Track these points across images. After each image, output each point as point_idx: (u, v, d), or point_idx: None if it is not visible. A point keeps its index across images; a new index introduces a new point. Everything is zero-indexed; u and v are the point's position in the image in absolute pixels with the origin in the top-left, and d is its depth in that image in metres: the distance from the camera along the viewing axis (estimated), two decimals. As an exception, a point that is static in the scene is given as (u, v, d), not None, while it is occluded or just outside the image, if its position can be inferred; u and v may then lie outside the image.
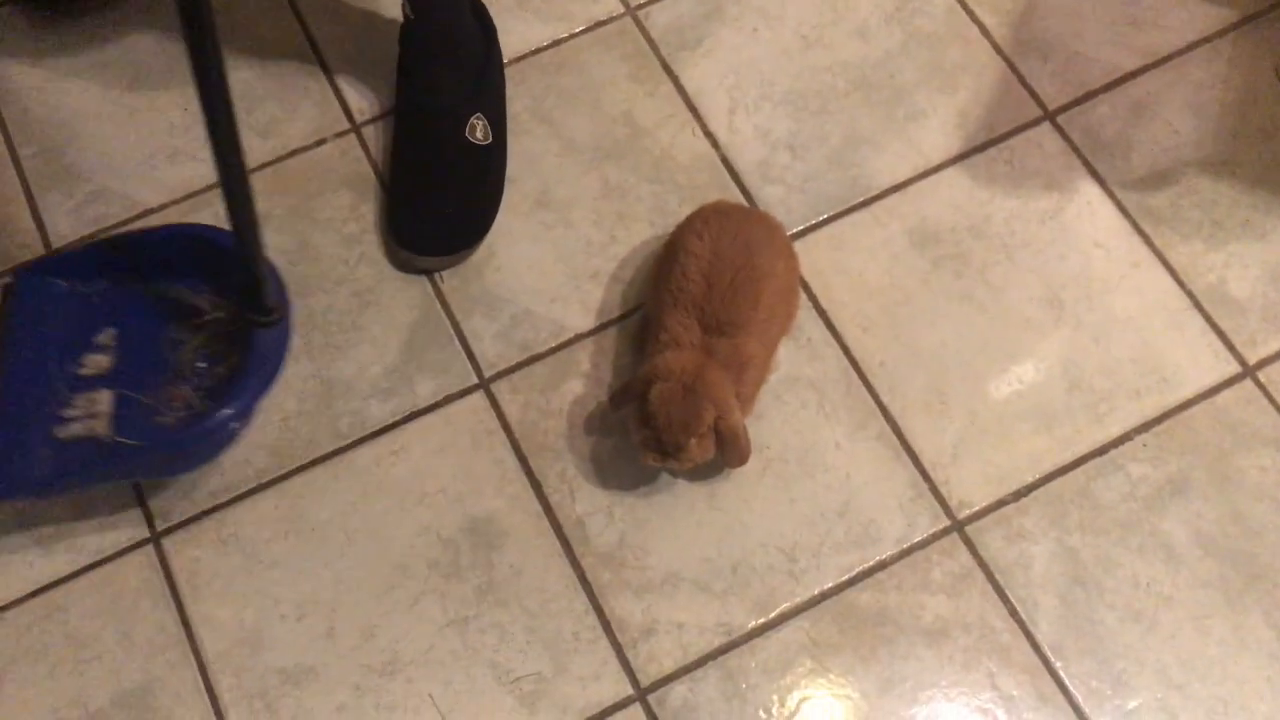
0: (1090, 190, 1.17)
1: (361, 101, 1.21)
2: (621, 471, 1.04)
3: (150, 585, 1.01)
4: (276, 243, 1.14)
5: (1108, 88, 1.21)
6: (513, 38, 1.23)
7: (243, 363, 0.97)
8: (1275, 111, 1.20)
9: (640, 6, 1.26)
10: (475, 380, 1.08)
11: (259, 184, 1.16)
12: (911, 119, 1.20)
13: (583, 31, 1.25)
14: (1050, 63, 1.23)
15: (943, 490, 1.04)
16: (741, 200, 1.16)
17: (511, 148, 1.18)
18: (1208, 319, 1.11)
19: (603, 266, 1.13)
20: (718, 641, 0.99)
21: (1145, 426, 1.06)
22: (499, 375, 1.09)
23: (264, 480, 1.04)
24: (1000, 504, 1.04)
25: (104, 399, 1.01)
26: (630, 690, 0.97)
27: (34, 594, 1.00)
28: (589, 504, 1.03)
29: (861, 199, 1.16)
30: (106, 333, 1.04)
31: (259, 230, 0.90)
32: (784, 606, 1.00)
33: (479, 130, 1.14)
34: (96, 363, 1.03)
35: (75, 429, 0.99)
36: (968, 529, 1.03)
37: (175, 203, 1.15)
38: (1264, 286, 1.12)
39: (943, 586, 1.00)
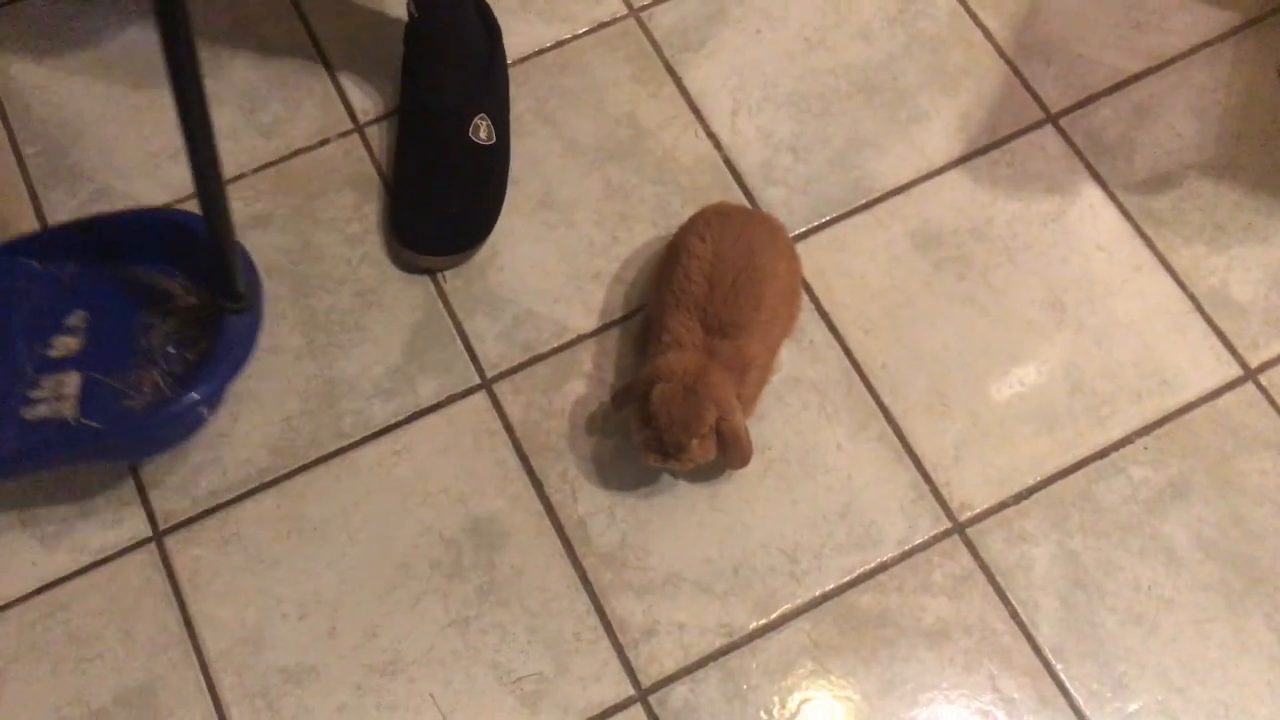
0: (1092, 193, 1.17)
1: (365, 101, 1.21)
2: (623, 472, 1.05)
3: (152, 584, 1.01)
4: (279, 242, 1.14)
5: (1110, 91, 1.22)
6: (516, 39, 1.23)
7: (212, 348, 0.97)
8: (1277, 115, 1.20)
9: (643, 8, 1.26)
10: (477, 380, 1.09)
11: (262, 184, 1.17)
12: (914, 121, 1.20)
13: (586, 33, 1.25)
14: (1053, 65, 1.23)
15: (944, 492, 1.04)
16: (744, 202, 1.16)
17: (515, 148, 1.18)
18: (1209, 322, 1.11)
19: (605, 267, 1.13)
20: (719, 642, 0.99)
21: (1147, 429, 1.07)
22: (501, 375, 1.09)
23: (266, 479, 1.04)
24: (1001, 506, 1.04)
25: (72, 381, 1.01)
26: (631, 691, 0.97)
27: (36, 592, 1.00)
28: (591, 504, 1.03)
29: (864, 201, 1.16)
30: (76, 315, 1.04)
31: (229, 215, 0.90)
32: (785, 608, 1.00)
33: (482, 131, 1.14)
34: (65, 345, 1.03)
35: (42, 410, 0.99)
36: (969, 531, 1.03)
37: (178, 202, 1.15)
38: (1266, 290, 1.12)
39: (944, 588, 1.00)
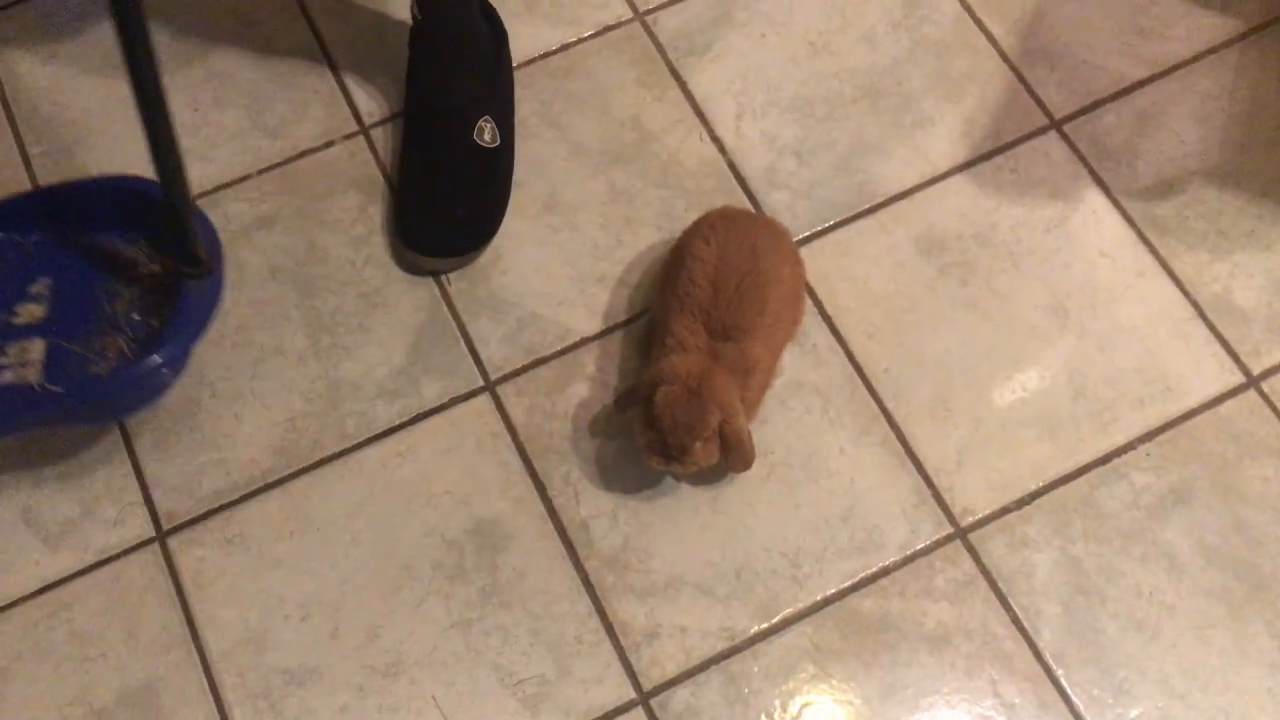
0: (1096, 199, 1.17)
1: (370, 103, 1.21)
2: (626, 475, 1.05)
3: (156, 584, 1.01)
4: (284, 243, 1.14)
5: (1114, 97, 1.22)
6: (521, 42, 1.23)
7: (174, 312, 0.98)
8: (1281, 122, 1.21)
9: (649, 12, 1.26)
10: (481, 383, 1.09)
11: (267, 185, 1.17)
12: (918, 126, 1.20)
13: (591, 36, 1.25)
14: (1057, 72, 1.23)
15: (946, 497, 1.04)
16: (748, 206, 1.16)
17: (519, 151, 1.18)
18: (1212, 329, 1.11)
19: (609, 270, 1.13)
20: (720, 646, 0.99)
21: (1149, 436, 1.07)
22: (505, 378, 1.09)
23: (270, 480, 1.05)
24: (1004, 511, 1.04)
25: (36, 348, 1.02)
26: (633, 694, 0.97)
27: (40, 592, 1.01)
28: (593, 507, 1.04)
29: (868, 206, 1.16)
30: (41, 282, 1.05)
31: (186, 181, 0.91)
32: (787, 611, 1.00)
33: (487, 133, 1.15)
34: (30, 312, 1.04)
35: (6, 376, 1.00)
36: (971, 536, 1.03)
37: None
38: (1269, 297, 1.13)
39: (945, 593, 1.01)
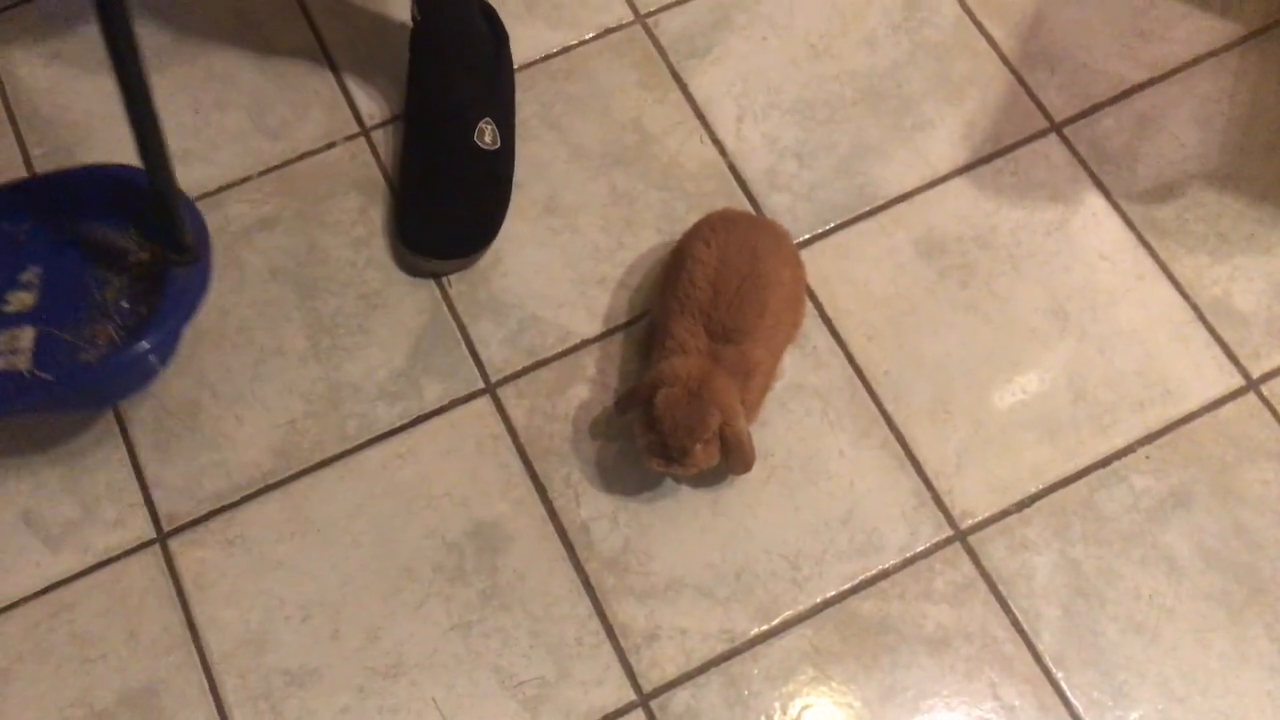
0: (1096, 202, 1.17)
1: (371, 105, 1.21)
2: (626, 477, 1.05)
3: (157, 585, 1.01)
4: (285, 245, 1.14)
5: (1114, 100, 1.22)
6: (522, 44, 1.23)
7: (161, 298, 0.99)
8: (1281, 126, 1.21)
9: (650, 14, 1.26)
10: (482, 385, 1.09)
11: (268, 186, 1.17)
12: (918, 129, 1.20)
13: (592, 38, 1.25)
14: (1057, 75, 1.23)
15: (946, 500, 1.04)
16: (748, 208, 1.16)
17: (520, 153, 1.18)
18: (1212, 332, 1.11)
19: (610, 272, 1.13)
20: (720, 648, 0.99)
21: (1148, 438, 1.07)
22: (505, 380, 1.09)
23: (271, 482, 1.05)
24: (1003, 514, 1.04)
25: (26, 336, 1.03)
26: (633, 696, 0.97)
27: (41, 592, 1.01)
28: (593, 509, 1.04)
29: (868, 208, 1.17)
30: (31, 271, 1.06)
31: (171, 168, 0.92)
32: (787, 614, 1.00)
33: (487, 135, 1.15)
34: (20, 300, 1.05)
35: None
36: (970, 539, 1.03)
37: (194, 200, 1.15)
38: (1268, 300, 1.13)
39: (945, 596, 1.01)
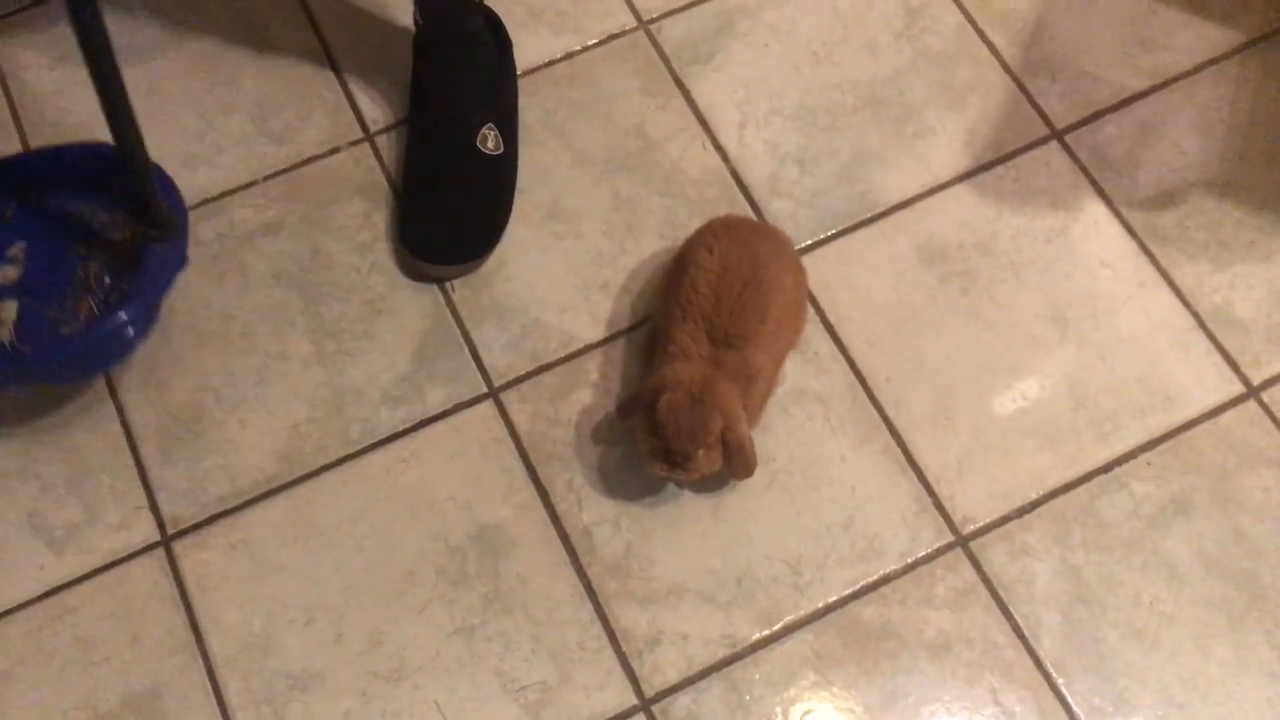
0: (1097, 209, 1.18)
1: (375, 110, 1.22)
2: (628, 481, 1.05)
3: (160, 589, 1.01)
4: (289, 250, 1.15)
5: (1115, 108, 1.22)
6: (526, 50, 1.24)
7: (138, 271, 1.01)
8: (1281, 134, 1.21)
9: (653, 20, 1.27)
10: (485, 389, 1.09)
11: (273, 191, 1.18)
12: (920, 136, 1.21)
13: (595, 44, 1.26)
14: (1058, 82, 1.23)
15: (947, 505, 1.05)
16: (750, 214, 1.17)
17: (523, 158, 1.19)
18: (1212, 339, 1.12)
19: (612, 278, 1.14)
20: (722, 653, 0.99)
21: (1149, 445, 1.07)
22: (508, 385, 1.09)
23: (274, 486, 1.05)
24: (1004, 520, 1.04)
25: (9, 309, 1.05)
26: (635, 700, 0.98)
27: (45, 595, 1.01)
28: (596, 514, 1.04)
29: (869, 215, 1.17)
30: (16, 245, 1.08)
31: (143, 144, 0.94)
32: (788, 619, 1.00)
33: (490, 140, 1.15)
34: (4, 274, 1.07)
35: None
36: (972, 544, 1.03)
37: (192, 208, 1.16)
38: (1269, 307, 1.13)
39: (946, 601, 1.01)
